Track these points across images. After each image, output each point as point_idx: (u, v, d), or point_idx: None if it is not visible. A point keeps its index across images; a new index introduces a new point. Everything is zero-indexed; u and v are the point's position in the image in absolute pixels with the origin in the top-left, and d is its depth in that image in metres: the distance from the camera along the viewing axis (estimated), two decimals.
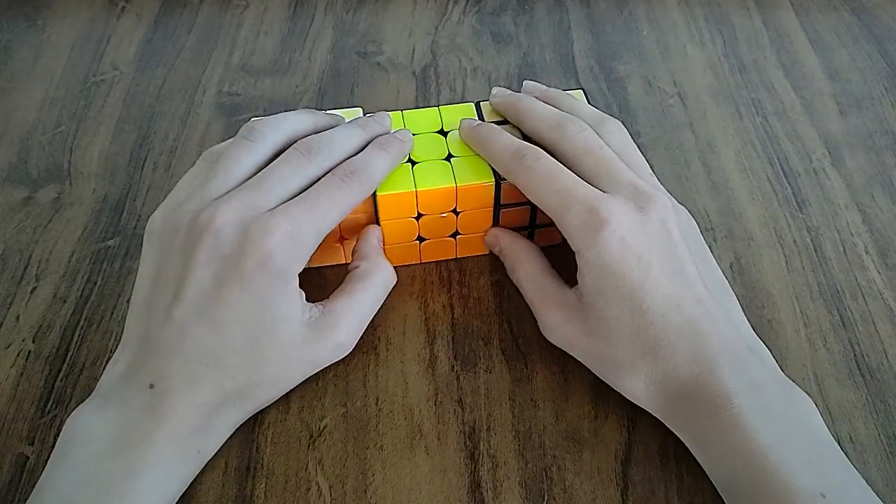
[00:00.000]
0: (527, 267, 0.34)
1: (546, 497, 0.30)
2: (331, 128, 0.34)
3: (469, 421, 0.32)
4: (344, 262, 0.37)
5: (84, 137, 0.44)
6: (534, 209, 0.35)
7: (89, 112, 0.45)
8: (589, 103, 0.37)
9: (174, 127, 0.44)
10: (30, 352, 0.34)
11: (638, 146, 0.35)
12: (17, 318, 0.35)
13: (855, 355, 0.34)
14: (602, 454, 0.31)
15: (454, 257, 0.38)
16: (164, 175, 0.42)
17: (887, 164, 0.42)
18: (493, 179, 0.34)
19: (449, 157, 0.35)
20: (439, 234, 0.36)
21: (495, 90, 0.37)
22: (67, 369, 0.33)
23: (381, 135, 0.34)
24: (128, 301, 0.36)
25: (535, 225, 0.36)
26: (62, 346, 0.34)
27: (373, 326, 0.35)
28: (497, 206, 0.35)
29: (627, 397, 0.30)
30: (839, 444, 0.31)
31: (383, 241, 0.35)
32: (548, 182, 0.31)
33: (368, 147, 0.33)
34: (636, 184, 0.30)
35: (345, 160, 0.32)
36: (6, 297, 0.36)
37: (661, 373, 0.29)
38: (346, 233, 0.35)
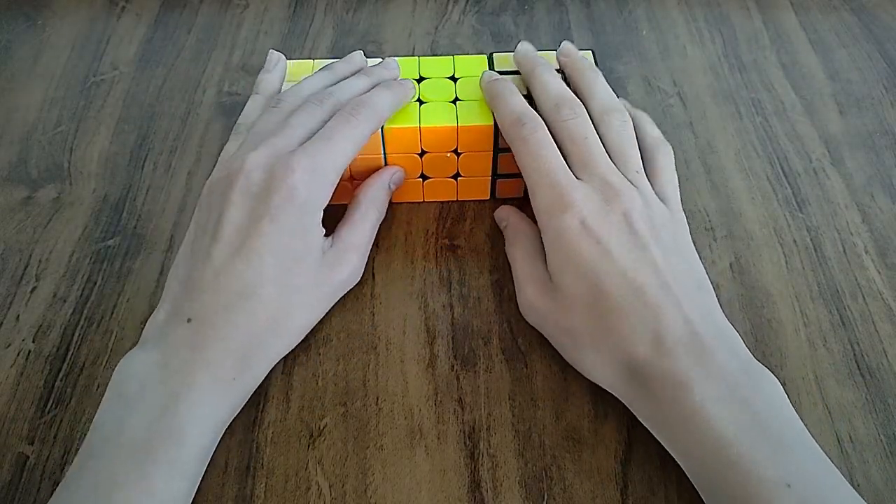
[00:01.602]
0: (523, 245, 0.35)
1: (546, 497, 0.30)
2: (346, 76, 0.38)
3: (469, 421, 0.32)
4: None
5: (84, 137, 0.44)
6: None
7: (89, 112, 0.45)
8: (597, 64, 0.39)
9: (174, 127, 0.44)
10: (30, 351, 0.34)
11: None
12: (18, 317, 0.35)
13: (855, 355, 0.34)
14: (602, 454, 0.31)
15: (455, 199, 0.40)
16: (164, 175, 0.42)
17: (887, 164, 0.42)
18: (493, 122, 0.36)
19: (455, 101, 0.37)
20: (442, 173, 0.38)
21: (521, 45, 0.39)
22: (67, 369, 0.33)
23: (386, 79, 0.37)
24: (128, 300, 0.36)
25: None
26: (62, 345, 0.34)
27: (373, 326, 0.35)
28: (496, 149, 0.37)
29: (593, 380, 0.31)
30: (839, 444, 0.31)
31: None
32: (533, 158, 0.33)
33: (374, 88, 0.36)
34: (608, 178, 0.32)
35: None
36: (6, 296, 0.36)
37: (620, 353, 0.29)
38: (356, 174, 0.38)
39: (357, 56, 0.39)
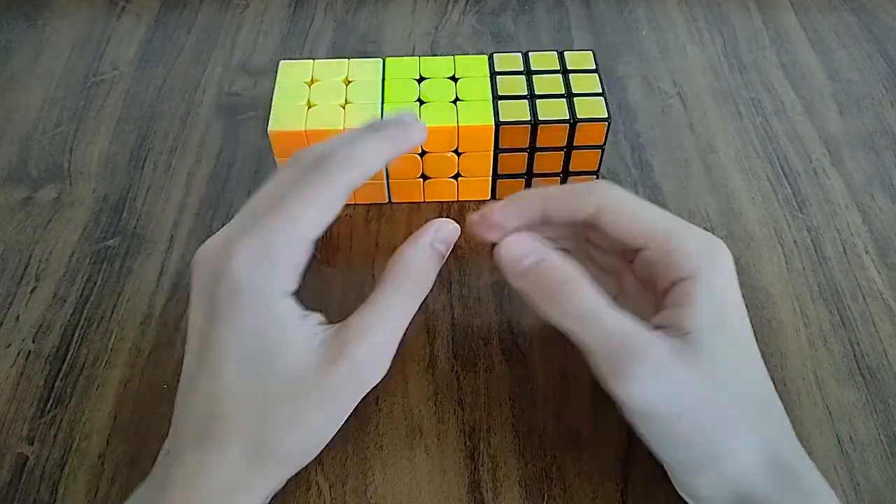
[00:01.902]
0: (573, 301, 0.25)
1: (546, 497, 0.30)
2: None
3: (469, 421, 0.32)
4: (353, 202, 0.40)
5: (84, 137, 0.44)
6: (532, 155, 0.37)
7: (89, 112, 0.45)
8: (597, 67, 0.39)
9: (174, 127, 0.44)
10: (30, 351, 0.34)
11: (638, 146, 0.34)
12: (17, 317, 0.35)
13: (855, 355, 0.34)
14: (602, 454, 0.31)
15: (455, 199, 0.40)
16: (164, 175, 0.42)
17: (887, 164, 0.42)
18: (493, 122, 0.36)
19: (455, 101, 0.37)
20: (442, 173, 0.38)
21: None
22: (67, 369, 0.33)
23: (399, 141, 0.30)
24: (128, 301, 0.36)
25: (532, 173, 0.38)
26: (62, 345, 0.34)
27: None
28: (496, 149, 0.37)
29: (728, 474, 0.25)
30: (839, 444, 0.31)
31: (390, 191, 0.38)
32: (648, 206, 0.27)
33: (360, 130, 0.29)
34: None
35: (360, 175, 0.28)
36: (6, 296, 0.36)
37: (774, 445, 0.25)
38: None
39: (408, 118, 0.31)
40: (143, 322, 0.35)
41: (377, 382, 0.26)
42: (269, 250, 0.25)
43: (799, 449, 0.26)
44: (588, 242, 0.31)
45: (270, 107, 0.37)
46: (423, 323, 0.35)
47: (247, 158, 0.42)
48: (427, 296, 0.35)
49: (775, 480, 0.24)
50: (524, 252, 0.27)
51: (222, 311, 0.25)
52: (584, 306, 0.25)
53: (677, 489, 0.27)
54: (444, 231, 0.28)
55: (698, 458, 0.24)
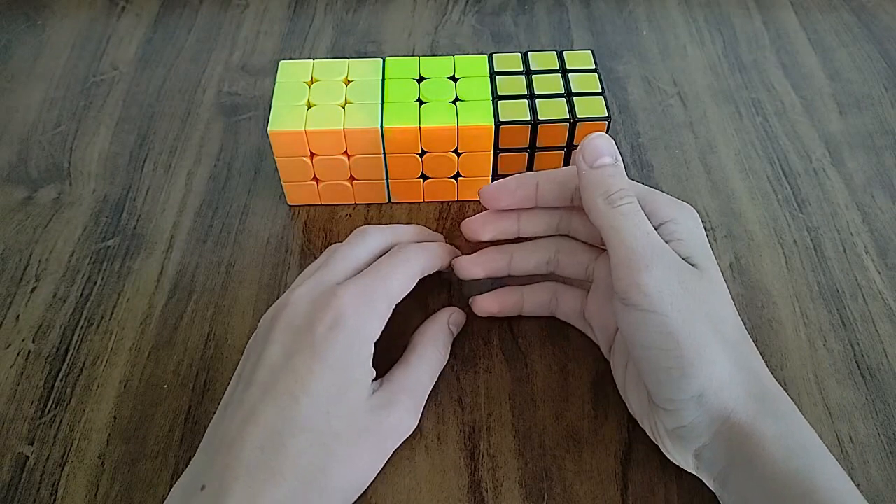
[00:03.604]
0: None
1: (546, 497, 0.30)
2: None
3: (469, 421, 0.32)
4: (353, 202, 0.40)
5: (84, 137, 0.44)
6: (532, 155, 0.38)
7: (89, 112, 0.45)
8: (596, 67, 0.39)
9: (174, 127, 0.44)
10: (30, 351, 0.34)
11: (638, 146, 0.35)
12: (17, 317, 0.35)
13: (855, 355, 0.34)
14: (602, 454, 0.31)
15: (455, 199, 0.40)
16: (164, 175, 0.42)
17: (887, 164, 0.42)
18: (493, 122, 0.36)
19: (455, 101, 0.37)
20: (442, 173, 0.38)
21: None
22: (67, 369, 0.33)
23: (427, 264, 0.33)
24: (128, 301, 0.36)
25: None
26: (62, 345, 0.34)
27: None
28: (496, 149, 0.37)
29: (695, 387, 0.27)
30: (839, 444, 0.31)
31: (390, 191, 0.39)
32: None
33: (425, 244, 0.34)
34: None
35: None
36: (6, 296, 0.36)
37: (749, 366, 0.28)
38: (357, 174, 0.38)
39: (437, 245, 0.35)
40: (143, 322, 0.35)
41: (411, 432, 0.30)
42: (369, 296, 0.29)
43: (773, 380, 0.28)
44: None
45: (270, 107, 0.37)
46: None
47: (247, 158, 0.42)
48: (427, 296, 0.35)
49: (750, 400, 0.27)
50: (606, 151, 0.30)
51: (316, 343, 0.27)
52: (634, 210, 0.29)
53: (661, 421, 0.28)
54: (456, 315, 0.34)
55: (682, 363, 0.26)
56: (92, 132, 0.44)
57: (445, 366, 0.33)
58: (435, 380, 0.32)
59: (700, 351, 0.26)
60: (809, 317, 0.35)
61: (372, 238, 0.32)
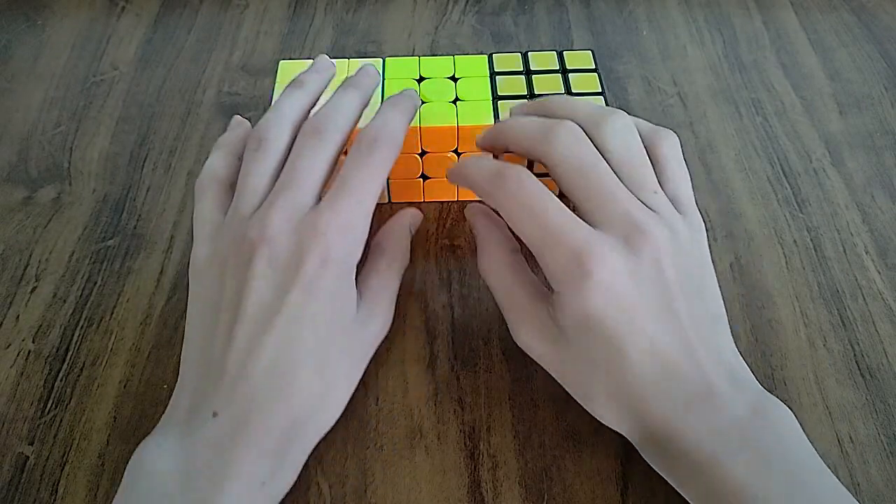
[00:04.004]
0: (506, 264, 0.31)
1: (546, 497, 0.30)
2: (321, 90, 0.34)
3: (469, 421, 0.32)
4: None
5: (84, 137, 0.44)
6: None
7: (89, 112, 0.45)
8: (596, 67, 0.38)
9: (174, 127, 0.44)
10: (30, 351, 0.34)
11: None
12: (17, 317, 0.35)
13: (855, 355, 0.34)
14: (602, 454, 0.31)
15: (455, 199, 0.40)
16: (164, 175, 0.42)
17: (887, 164, 0.42)
18: (493, 122, 0.36)
19: (456, 101, 0.37)
20: (442, 173, 0.38)
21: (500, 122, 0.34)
22: (67, 369, 0.33)
23: (373, 87, 0.34)
24: (128, 301, 0.36)
25: (532, 173, 0.38)
26: (62, 345, 0.34)
27: None
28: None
29: (601, 421, 0.29)
30: (839, 444, 0.31)
31: (390, 191, 0.39)
32: (530, 213, 0.28)
33: (380, 109, 0.32)
34: (633, 218, 0.28)
35: (354, 126, 0.32)
36: (6, 296, 0.36)
37: (634, 412, 0.28)
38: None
39: (324, 61, 0.35)
40: (143, 322, 0.35)
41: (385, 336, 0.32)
42: (349, 226, 0.29)
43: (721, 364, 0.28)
44: None
45: (270, 107, 0.37)
46: (424, 323, 0.35)
47: None
48: (427, 295, 0.35)
49: (639, 436, 0.28)
50: (468, 217, 0.34)
51: (308, 280, 0.27)
52: (497, 271, 0.31)
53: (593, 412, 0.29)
54: (416, 218, 0.35)
55: (580, 401, 0.29)
56: (92, 132, 0.44)
57: (445, 365, 0.33)
58: (400, 282, 0.33)
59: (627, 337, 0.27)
60: (809, 317, 0.35)
61: (321, 139, 0.30)
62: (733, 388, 0.27)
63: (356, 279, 0.30)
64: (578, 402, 0.29)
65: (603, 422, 0.29)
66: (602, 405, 0.28)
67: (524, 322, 0.30)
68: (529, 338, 0.30)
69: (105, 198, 0.41)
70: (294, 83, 0.33)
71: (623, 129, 0.31)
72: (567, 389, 0.29)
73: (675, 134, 0.32)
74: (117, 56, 0.49)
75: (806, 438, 0.27)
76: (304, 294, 0.27)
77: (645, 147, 0.31)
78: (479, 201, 0.33)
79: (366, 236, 0.30)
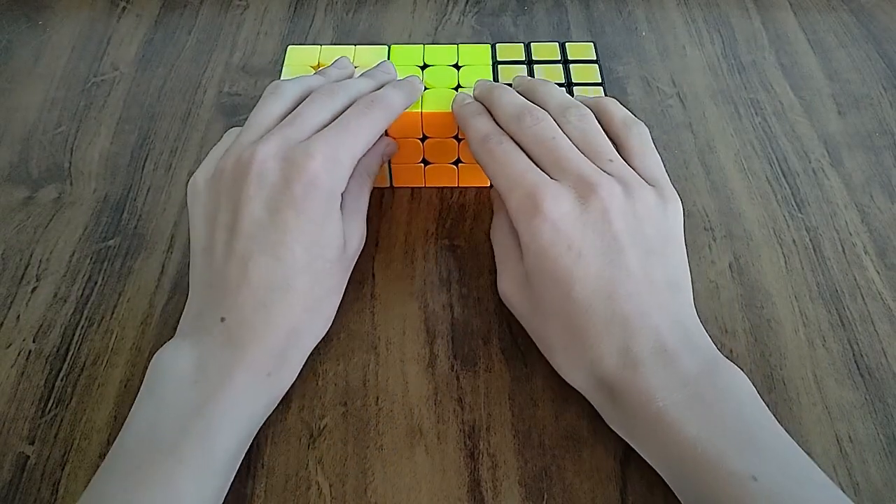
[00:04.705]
0: (505, 231, 0.34)
1: (546, 497, 0.30)
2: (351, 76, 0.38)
3: (469, 420, 0.32)
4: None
5: (84, 137, 0.44)
6: None
7: (90, 112, 0.46)
8: (597, 58, 0.39)
9: (174, 127, 0.44)
10: (30, 351, 0.34)
11: None
12: (18, 317, 0.35)
13: (854, 355, 0.34)
14: (602, 454, 0.31)
15: (456, 185, 0.40)
16: (165, 175, 0.42)
17: (886, 164, 0.42)
18: None
19: (458, 88, 0.38)
20: (443, 159, 0.39)
21: (477, 83, 0.38)
22: (68, 369, 0.33)
23: (387, 82, 0.37)
24: (128, 300, 0.36)
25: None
26: (63, 345, 0.34)
27: (373, 326, 0.35)
28: None
29: (567, 380, 0.31)
30: (838, 444, 0.31)
31: (392, 175, 0.40)
32: (502, 166, 0.32)
33: (385, 86, 0.36)
34: (582, 172, 0.30)
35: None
36: (7, 296, 0.36)
37: (588, 362, 0.29)
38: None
39: (346, 61, 0.39)
40: (144, 322, 0.35)
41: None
42: (337, 157, 0.31)
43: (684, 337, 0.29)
44: None
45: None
46: (423, 323, 0.35)
47: None
48: (427, 295, 0.36)
49: (596, 392, 0.30)
50: (493, 194, 0.36)
51: (297, 201, 0.30)
52: (499, 235, 0.34)
53: (563, 372, 0.31)
54: (390, 147, 0.37)
55: (548, 358, 0.31)
56: (93, 132, 0.44)
57: (445, 365, 0.33)
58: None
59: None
60: (808, 317, 0.35)
61: (332, 97, 0.34)
62: (687, 348, 0.28)
63: None
64: (544, 355, 0.32)
65: (563, 376, 0.31)
66: (559, 353, 0.31)
67: (505, 270, 0.33)
68: (507, 285, 0.33)
69: (106, 198, 0.41)
70: (319, 72, 0.37)
71: (583, 117, 0.34)
72: (536, 343, 0.32)
73: (643, 124, 0.34)
74: (118, 56, 0.49)
75: (759, 398, 0.28)
76: (294, 213, 0.30)
77: (616, 135, 0.34)
78: (479, 201, 0.33)
79: (349, 174, 0.32)
